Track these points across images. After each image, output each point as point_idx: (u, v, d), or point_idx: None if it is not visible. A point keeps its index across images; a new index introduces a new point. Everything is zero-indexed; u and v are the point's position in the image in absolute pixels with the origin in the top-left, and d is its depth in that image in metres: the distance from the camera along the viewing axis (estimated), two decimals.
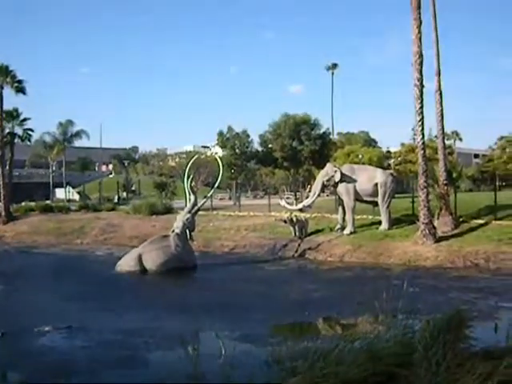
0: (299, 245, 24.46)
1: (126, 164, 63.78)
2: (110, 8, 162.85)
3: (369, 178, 25.29)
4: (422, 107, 22.76)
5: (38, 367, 9.89)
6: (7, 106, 39.99)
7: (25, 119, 43.00)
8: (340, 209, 25.88)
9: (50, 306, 15.36)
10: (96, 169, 72.12)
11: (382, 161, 47.82)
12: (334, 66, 77.67)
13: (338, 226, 25.48)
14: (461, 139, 77.36)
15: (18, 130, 43.40)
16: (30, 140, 47.31)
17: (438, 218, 23.59)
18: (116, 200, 47.23)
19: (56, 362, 10.14)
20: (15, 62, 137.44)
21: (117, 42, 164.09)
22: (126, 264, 20.34)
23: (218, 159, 27.08)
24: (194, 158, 27.52)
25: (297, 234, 25.10)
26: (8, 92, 38.69)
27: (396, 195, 26.42)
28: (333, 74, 77.53)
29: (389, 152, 60.59)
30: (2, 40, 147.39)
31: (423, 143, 23.05)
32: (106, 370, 9.86)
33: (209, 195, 25.57)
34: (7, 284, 19.58)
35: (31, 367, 9.95)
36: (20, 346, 11.57)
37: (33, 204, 41.21)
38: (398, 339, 6.40)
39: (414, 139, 45.74)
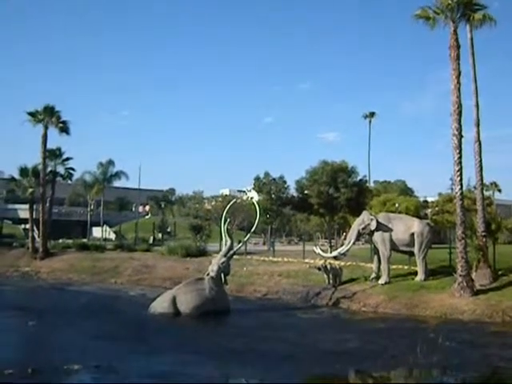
0: (333, 293, 24.12)
1: (162, 205, 64.42)
2: (148, 57, 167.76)
3: (405, 227, 24.96)
4: (460, 157, 22.54)
5: None
6: (51, 145, 41.04)
7: (67, 158, 43.98)
8: (375, 258, 25.53)
9: (80, 344, 15.41)
10: (133, 209, 72.91)
11: (418, 210, 47.04)
12: (372, 114, 77.74)
13: (373, 276, 25.08)
14: (500, 190, 75.99)
15: (60, 169, 44.38)
16: (70, 179, 48.29)
17: (475, 271, 23.03)
18: (151, 241, 47.49)
19: None
20: (60, 102, 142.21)
21: (156, 86, 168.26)
22: (160, 306, 20.32)
23: (256, 204, 27.07)
24: (232, 202, 27.61)
25: (330, 282, 24.78)
26: (52, 131, 39.82)
27: (433, 246, 25.92)
28: (370, 122, 77.64)
29: (426, 202, 59.72)
30: (49, 82, 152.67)
31: (461, 193, 22.74)
32: None
33: (245, 240, 25.52)
34: (40, 320, 19.77)
35: None
36: None
37: (70, 241, 41.79)
38: None
39: (451, 189, 45.12)
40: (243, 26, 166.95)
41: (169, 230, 59.37)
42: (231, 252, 22.06)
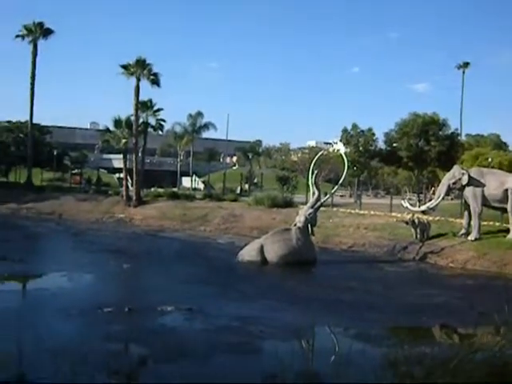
0: (420, 248, 23.85)
1: (249, 157, 65.04)
2: (236, 8, 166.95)
3: (499, 182, 24.06)
4: None
5: (159, 345, 10.51)
6: (143, 96, 42.15)
7: (158, 110, 44.98)
8: (465, 213, 24.87)
9: (172, 287, 16.25)
10: (221, 160, 74.11)
11: None
12: (466, 64, 73.64)
13: (463, 231, 24.50)
14: None
15: (152, 120, 45.51)
16: (161, 130, 49.48)
17: None
18: (238, 191, 48.33)
19: (176, 343, 10.72)
20: (151, 54, 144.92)
21: (244, 37, 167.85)
22: (248, 254, 20.88)
23: (344, 156, 26.85)
24: (319, 154, 27.54)
25: (418, 236, 24.45)
26: (143, 83, 40.87)
27: None
28: (464, 72, 73.94)
29: None
30: (141, 33, 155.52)
31: None
32: (221, 355, 10.28)
33: (333, 192, 25.52)
34: (135, 263, 20.92)
35: (153, 344, 10.60)
36: (144, 322, 12.38)
37: (161, 190, 43.15)
38: None
39: None
40: None
41: (255, 180, 60.11)
42: (318, 203, 22.15)
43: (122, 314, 12.54)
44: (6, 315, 11.70)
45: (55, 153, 49.12)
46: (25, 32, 45.63)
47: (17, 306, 13.60)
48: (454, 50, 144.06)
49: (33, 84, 46.39)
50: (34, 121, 47.49)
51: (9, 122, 50.77)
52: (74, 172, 53.55)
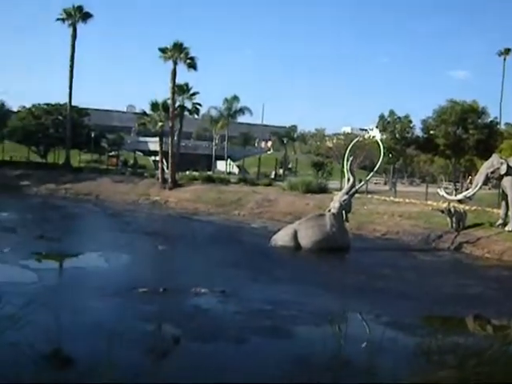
0: (455, 237, 23.55)
1: (284, 142, 64.87)
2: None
3: None
4: None
5: (193, 326, 10.69)
6: (179, 80, 42.33)
7: (194, 93, 45.12)
8: (503, 203, 24.43)
9: (206, 270, 16.48)
10: (256, 144, 74.18)
11: None
12: (507, 51, 71.80)
13: (500, 222, 24.10)
14: None
15: (188, 104, 45.64)
16: (197, 113, 49.58)
17: None
18: (273, 176, 48.35)
19: (210, 324, 10.89)
20: (189, 38, 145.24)
21: (281, 24, 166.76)
22: (281, 239, 20.89)
23: (380, 143, 26.56)
24: (355, 140, 27.33)
25: (453, 225, 24.13)
26: (180, 67, 41.06)
27: None
28: (505, 59, 71.90)
29: None
30: (179, 18, 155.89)
31: None
32: (254, 337, 10.41)
33: (367, 178, 25.33)
34: (170, 245, 21.18)
35: (187, 325, 10.78)
36: (178, 303, 12.60)
37: (196, 174, 43.49)
38: None
39: None
40: None
41: (290, 166, 60.01)
42: (353, 190, 22.05)
43: (157, 295, 12.76)
44: (43, 293, 12.00)
45: (93, 135, 49.86)
46: (64, 16, 46.21)
47: (54, 284, 13.97)
48: (496, 37, 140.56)
49: (72, 67, 46.97)
50: (73, 103, 48.16)
51: (48, 104, 51.59)
52: (110, 154, 54.26)
